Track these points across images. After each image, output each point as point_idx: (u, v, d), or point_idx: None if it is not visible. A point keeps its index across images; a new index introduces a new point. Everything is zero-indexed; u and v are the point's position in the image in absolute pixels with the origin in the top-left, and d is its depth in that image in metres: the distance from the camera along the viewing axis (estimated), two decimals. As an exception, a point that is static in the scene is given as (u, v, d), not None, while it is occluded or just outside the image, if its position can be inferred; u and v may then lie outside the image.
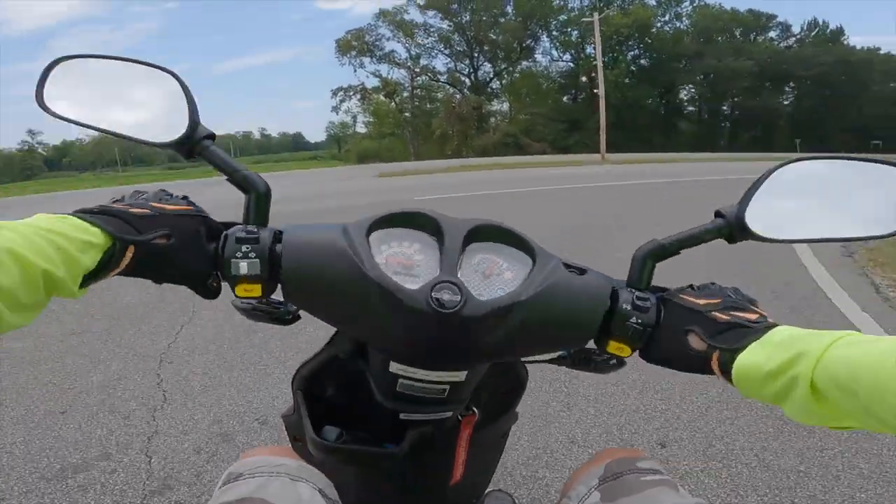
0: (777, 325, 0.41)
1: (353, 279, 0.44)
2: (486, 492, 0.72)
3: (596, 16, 25.51)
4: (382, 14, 56.01)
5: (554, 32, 59.82)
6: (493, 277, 0.47)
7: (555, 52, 61.99)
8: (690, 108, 63.47)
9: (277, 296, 0.48)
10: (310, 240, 0.46)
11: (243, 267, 0.44)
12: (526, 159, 27.25)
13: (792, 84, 57.88)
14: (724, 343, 0.41)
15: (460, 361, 0.48)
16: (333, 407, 0.58)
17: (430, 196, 8.88)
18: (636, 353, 0.48)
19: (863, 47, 59.64)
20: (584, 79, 58.77)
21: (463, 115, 49.14)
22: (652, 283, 0.49)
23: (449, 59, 60.79)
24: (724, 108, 61.84)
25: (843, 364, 0.33)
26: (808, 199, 0.49)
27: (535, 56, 62.15)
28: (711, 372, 0.42)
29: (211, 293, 0.46)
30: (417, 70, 58.76)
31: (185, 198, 0.47)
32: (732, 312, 0.43)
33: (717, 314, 0.43)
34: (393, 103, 56.19)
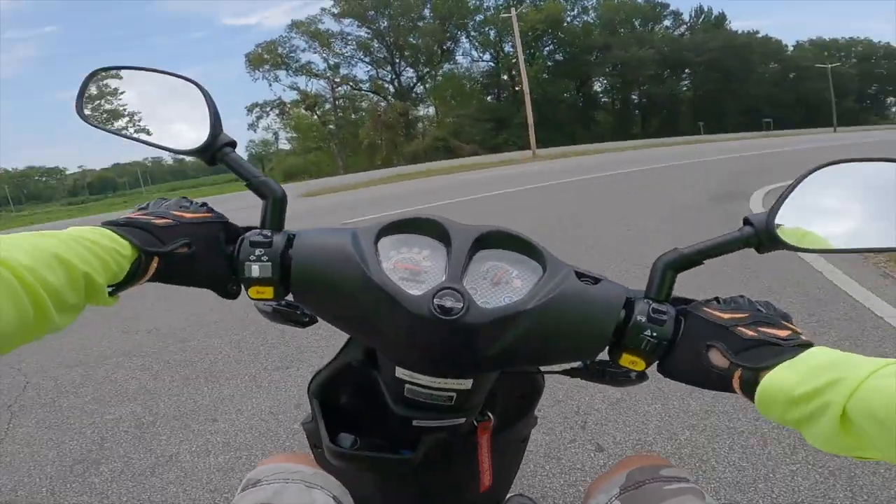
0: (811, 345, 0.38)
1: (358, 284, 0.44)
2: (508, 497, 0.71)
3: (513, 11, 25.34)
4: (295, 25, 54.04)
5: (472, 33, 60.67)
6: (502, 285, 0.46)
7: (475, 53, 62.93)
8: (605, 99, 66.63)
9: None
10: (319, 244, 0.47)
11: (255, 270, 0.45)
12: (458, 163, 26.66)
13: (688, 70, 62.27)
14: (748, 361, 0.39)
15: (464, 369, 0.47)
16: (349, 414, 0.58)
17: (358, 217, 7.89)
18: (659, 374, 0.46)
19: (743, 31, 65.54)
20: (505, 77, 60.55)
21: (389, 123, 48.28)
22: (674, 295, 0.47)
23: (370, 67, 59.77)
24: (634, 97, 65.56)
25: (883, 395, 0.31)
26: (846, 205, 0.45)
27: (456, 58, 62.74)
28: (733, 390, 0.40)
29: (231, 295, 0.49)
30: (338, 80, 57.24)
31: (204, 205, 0.49)
32: (761, 328, 0.41)
33: (742, 329, 0.41)
34: (315, 116, 54.31)
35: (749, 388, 0.38)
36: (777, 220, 0.44)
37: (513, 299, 0.45)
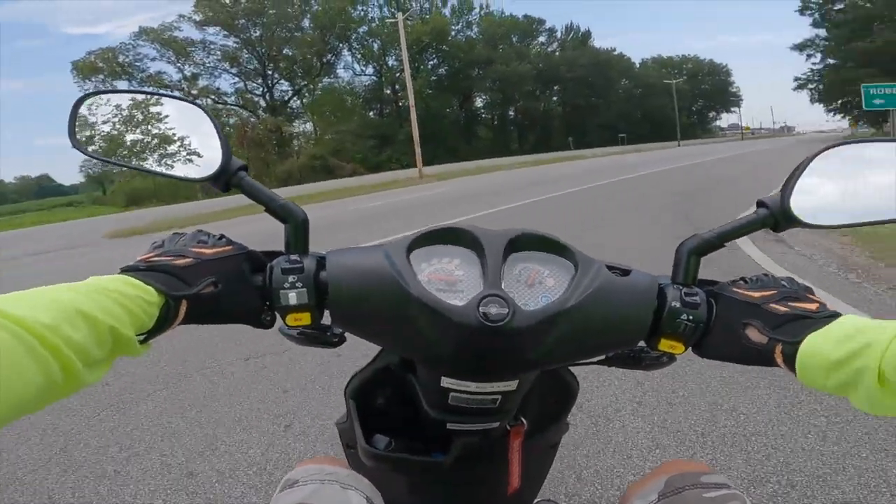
0: (839, 315, 0.41)
1: (398, 300, 0.44)
2: (535, 502, 0.71)
3: (400, 16, 22.80)
4: (144, 32, 46.66)
5: (355, 45, 57.87)
6: (536, 286, 0.47)
7: (357, 66, 60.21)
8: (485, 115, 67.90)
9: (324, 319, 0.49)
10: (353, 264, 0.46)
11: (292, 297, 0.45)
12: (338, 185, 23.58)
13: (558, 86, 65.92)
14: (785, 335, 0.41)
15: (512, 371, 0.48)
16: (384, 416, 0.59)
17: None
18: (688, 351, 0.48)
19: (604, 48, 71.04)
20: (388, 91, 58.50)
21: (259, 140, 43.14)
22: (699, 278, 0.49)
23: (237, 79, 53.98)
24: (511, 113, 67.70)
25: None
26: (852, 183, 0.48)
27: (337, 71, 59.50)
28: (775, 364, 0.42)
29: (266, 325, 0.48)
30: (195, 92, 50.42)
31: (222, 237, 0.47)
32: (790, 303, 0.43)
33: (775, 306, 0.43)
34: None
35: (790, 361, 0.39)
36: (792, 200, 0.46)
37: (550, 299, 0.45)
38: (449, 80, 59.02)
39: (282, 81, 55.83)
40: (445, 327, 0.43)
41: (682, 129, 55.51)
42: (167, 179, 0.49)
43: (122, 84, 44.32)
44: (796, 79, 47.93)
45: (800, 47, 44.20)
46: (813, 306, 0.42)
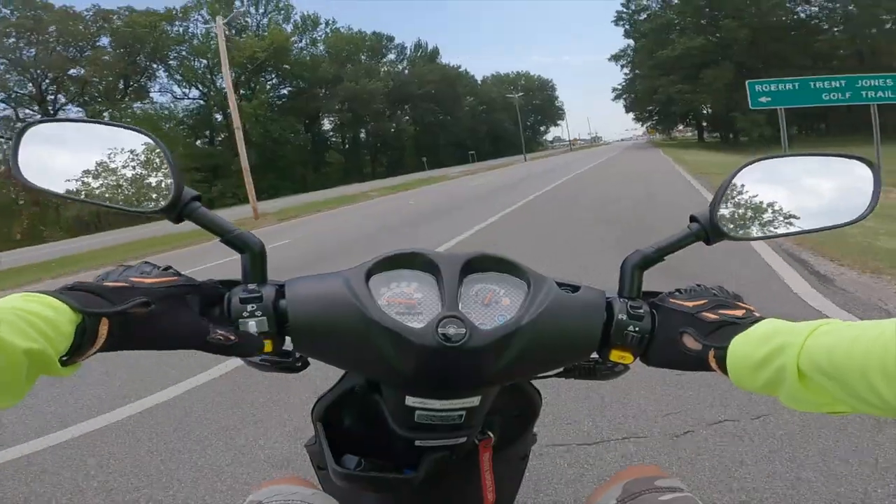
0: (762, 319, 0.43)
1: (359, 325, 0.46)
2: None
3: (220, 20, 17.37)
4: None
5: (173, 64, 49.16)
6: (493, 305, 0.49)
7: (178, 89, 51.24)
8: (335, 139, 63.54)
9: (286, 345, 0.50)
10: (313, 292, 0.48)
11: (252, 325, 0.45)
12: (139, 235, 17.32)
13: (409, 105, 64.51)
14: (716, 341, 0.43)
15: (473, 388, 0.50)
16: (353, 436, 0.60)
17: None
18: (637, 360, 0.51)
19: (451, 65, 71.04)
20: (219, 116, 50.50)
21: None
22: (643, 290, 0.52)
23: (3, 105, 41.92)
24: (363, 135, 64.41)
25: (824, 351, 0.35)
26: (775, 196, 0.52)
27: (152, 94, 49.94)
28: (711, 369, 0.44)
29: (222, 350, 0.44)
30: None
31: (168, 268, 0.46)
32: (720, 311, 0.45)
33: (706, 314, 0.45)
34: None
35: (722, 364, 0.42)
36: (719, 214, 0.50)
37: (506, 317, 0.48)
38: (292, 102, 53.39)
39: (69, 107, 45.03)
40: (406, 349, 0.45)
41: (519, 143, 57.96)
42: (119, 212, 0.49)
43: None
44: (614, 89, 53.01)
45: (615, 58, 48.70)
46: (740, 312, 0.45)
